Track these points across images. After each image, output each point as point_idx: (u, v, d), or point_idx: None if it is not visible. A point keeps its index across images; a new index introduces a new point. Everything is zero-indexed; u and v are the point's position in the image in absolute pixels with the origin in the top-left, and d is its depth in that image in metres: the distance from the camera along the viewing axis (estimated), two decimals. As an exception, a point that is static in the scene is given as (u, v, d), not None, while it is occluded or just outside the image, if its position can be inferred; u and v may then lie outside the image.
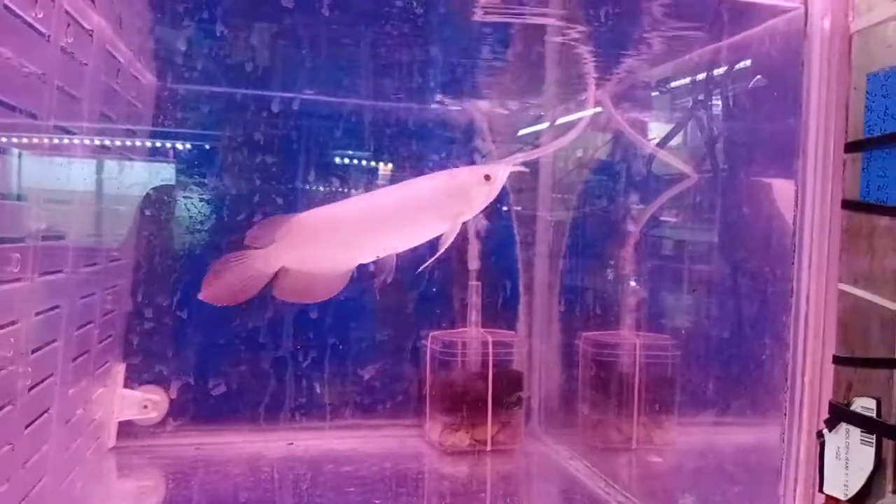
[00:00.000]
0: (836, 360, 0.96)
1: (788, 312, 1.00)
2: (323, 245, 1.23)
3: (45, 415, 1.07)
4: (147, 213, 1.70)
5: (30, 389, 0.98)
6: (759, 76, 1.34)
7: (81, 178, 1.21)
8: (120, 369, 1.61)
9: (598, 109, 1.72)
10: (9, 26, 0.82)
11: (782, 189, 1.18)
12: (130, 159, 1.57)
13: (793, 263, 0.99)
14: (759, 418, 1.32)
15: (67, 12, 0.98)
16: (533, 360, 1.87)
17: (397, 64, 1.89)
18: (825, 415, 0.97)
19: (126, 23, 1.36)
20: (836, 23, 0.99)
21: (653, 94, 1.72)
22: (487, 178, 1.21)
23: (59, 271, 1.11)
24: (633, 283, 1.76)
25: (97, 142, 1.28)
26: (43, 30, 0.91)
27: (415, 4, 1.44)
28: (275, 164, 1.83)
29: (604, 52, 1.50)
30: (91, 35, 1.11)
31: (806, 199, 0.99)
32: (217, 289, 1.16)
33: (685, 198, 1.61)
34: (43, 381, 1.05)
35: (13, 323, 0.91)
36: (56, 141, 1.08)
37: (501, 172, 1.23)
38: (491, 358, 1.69)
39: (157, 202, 1.73)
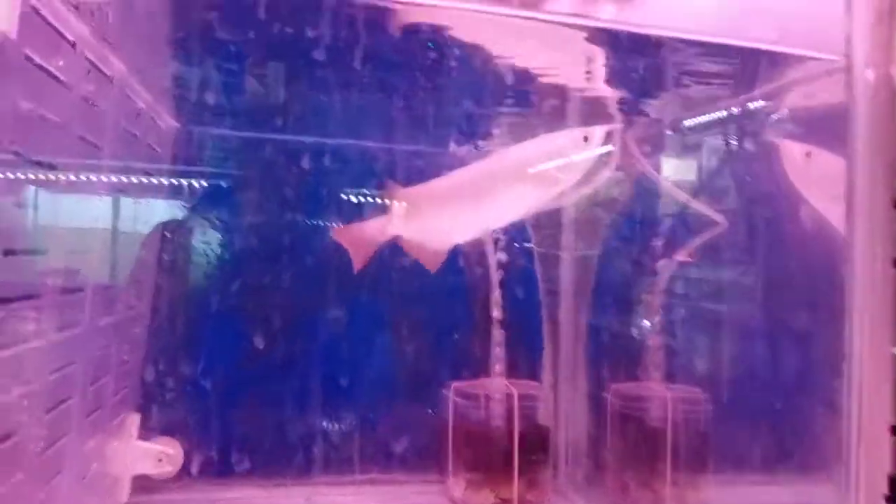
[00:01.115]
0: (895, 430, 0.90)
1: (840, 377, 0.94)
2: (425, 218, 1.22)
3: (59, 475, 1.03)
4: (165, 257, 1.68)
5: (42, 452, 0.94)
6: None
7: (99, 227, 1.18)
8: (135, 420, 1.56)
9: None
10: (30, 77, 0.80)
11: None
12: (149, 204, 1.55)
13: (843, 325, 0.94)
14: (804, 483, 1.25)
15: (88, 59, 0.96)
16: (559, 412, 1.80)
17: (419, 109, 1.88)
18: (883, 489, 0.90)
19: (147, 67, 1.34)
20: (880, 73, 0.95)
21: (683, 139, 1.68)
22: (586, 139, 1.19)
23: (76, 325, 1.07)
24: (661, 333, 1.70)
25: (116, 188, 1.26)
26: (64, 78, 0.88)
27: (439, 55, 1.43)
28: (296, 207, 1.81)
29: (630, 100, 1.47)
30: (112, 80, 1.09)
31: (855, 257, 0.93)
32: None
33: (722, 245, 1.56)
34: (56, 441, 1.00)
35: (27, 384, 0.87)
36: (75, 190, 1.06)
37: (599, 132, 1.21)
38: (517, 411, 1.62)
39: (175, 246, 1.71)
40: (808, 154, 1.29)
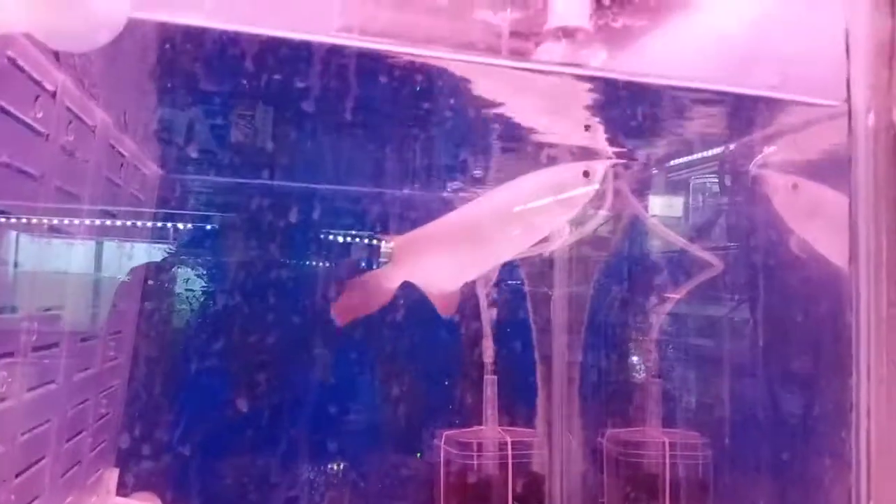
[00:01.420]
0: (906, 482, 0.87)
1: (848, 428, 0.91)
2: (429, 261, 1.23)
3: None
4: (147, 305, 1.63)
5: (10, 520, 0.88)
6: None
7: (77, 281, 1.14)
8: (112, 476, 1.50)
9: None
10: (5, 128, 0.77)
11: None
12: (130, 252, 1.51)
13: (850, 375, 0.91)
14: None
15: (69, 109, 0.93)
16: (553, 459, 1.75)
17: (406, 154, 1.86)
18: (897, 545, 0.87)
19: (131, 115, 1.32)
20: (880, 117, 0.93)
21: (674, 180, 1.67)
22: (586, 174, 1.17)
23: (51, 382, 1.02)
24: (656, 376, 1.67)
25: (95, 237, 1.22)
26: (42, 129, 0.85)
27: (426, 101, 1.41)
28: (282, 254, 1.78)
29: (623, 144, 1.46)
30: (94, 131, 1.06)
31: (860, 306, 0.91)
32: (346, 307, 1.26)
33: (719, 287, 1.54)
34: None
35: (-6, 449, 0.83)
36: (50, 240, 1.02)
37: (600, 167, 1.19)
38: (511, 460, 1.58)
39: (157, 294, 1.67)
40: (794, 186, 1.28)
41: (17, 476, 0.91)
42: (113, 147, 1.18)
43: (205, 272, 1.73)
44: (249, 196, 1.78)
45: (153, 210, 1.58)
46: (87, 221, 1.08)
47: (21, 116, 0.79)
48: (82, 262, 1.17)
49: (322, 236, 1.83)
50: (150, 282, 1.67)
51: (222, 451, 1.63)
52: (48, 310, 1.01)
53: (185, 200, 1.64)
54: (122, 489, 1.51)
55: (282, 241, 1.78)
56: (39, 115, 0.83)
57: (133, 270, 1.54)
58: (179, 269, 1.68)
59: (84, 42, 0.64)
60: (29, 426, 0.92)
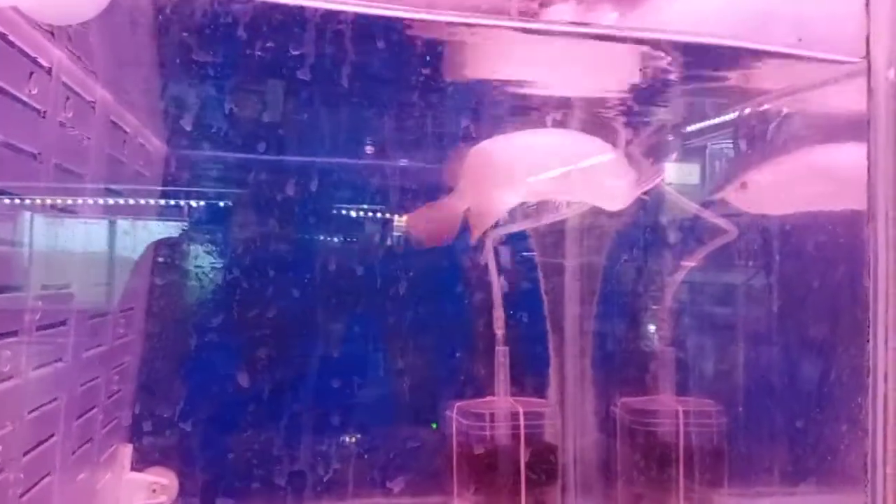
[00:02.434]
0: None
1: (865, 394, 0.89)
2: (489, 179, 1.24)
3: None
4: (157, 282, 1.63)
5: (22, 495, 0.89)
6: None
7: (84, 257, 1.14)
8: (127, 452, 1.51)
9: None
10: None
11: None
12: (137, 229, 1.50)
13: (867, 340, 0.89)
14: (825, 498, 1.20)
15: (66, 85, 0.92)
16: (566, 429, 1.75)
17: (411, 126, 1.85)
18: (914, 511, 0.85)
19: (133, 91, 1.30)
20: (900, 73, 0.90)
21: (689, 146, 1.63)
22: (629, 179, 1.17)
23: (59, 360, 1.02)
24: (670, 344, 1.66)
25: (100, 214, 1.21)
26: (38, 106, 0.84)
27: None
28: (290, 227, 1.77)
29: (635, 112, 1.43)
30: (94, 107, 1.05)
31: (878, 269, 0.88)
32: (422, 232, 1.31)
33: (734, 252, 1.51)
34: (38, 483, 0.96)
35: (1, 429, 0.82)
36: (54, 221, 1.01)
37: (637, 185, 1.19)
38: (523, 430, 1.57)
39: (167, 270, 1.67)
40: (742, 185, 1.32)
41: (25, 454, 0.91)
42: (114, 123, 1.17)
43: (213, 248, 1.72)
44: (256, 170, 1.76)
45: (159, 186, 1.57)
46: (91, 199, 1.07)
47: (15, 93, 0.77)
48: (87, 239, 1.16)
49: (334, 211, 1.82)
50: (160, 258, 1.67)
51: (235, 426, 1.63)
52: (53, 288, 1.00)
53: (190, 176, 1.63)
54: (137, 464, 1.53)
55: (291, 215, 1.77)
56: (35, 92, 0.81)
57: (141, 247, 1.53)
58: (188, 245, 1.67)
59: (69, 14, 0.62)
60: (36, 404, 0.92)
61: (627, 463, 1.63)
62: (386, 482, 1.68)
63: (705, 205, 1.55)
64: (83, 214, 1.06)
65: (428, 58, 1.32)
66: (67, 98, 0.93)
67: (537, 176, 1.29)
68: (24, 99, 0.80)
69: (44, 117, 0.86)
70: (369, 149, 1.78)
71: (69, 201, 0.98)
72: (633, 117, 1.45)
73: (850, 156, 1.17)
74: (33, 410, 0.91)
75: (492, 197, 1.26)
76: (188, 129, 1.65)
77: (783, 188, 1.28)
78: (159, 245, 1.63)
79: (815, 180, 1.25)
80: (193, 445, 1.59)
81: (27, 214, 0.88)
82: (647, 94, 1.33)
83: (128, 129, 1.26)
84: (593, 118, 1.44)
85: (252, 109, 1.83)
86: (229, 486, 1.61)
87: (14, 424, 0.84)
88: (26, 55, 0.79)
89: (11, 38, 0.75)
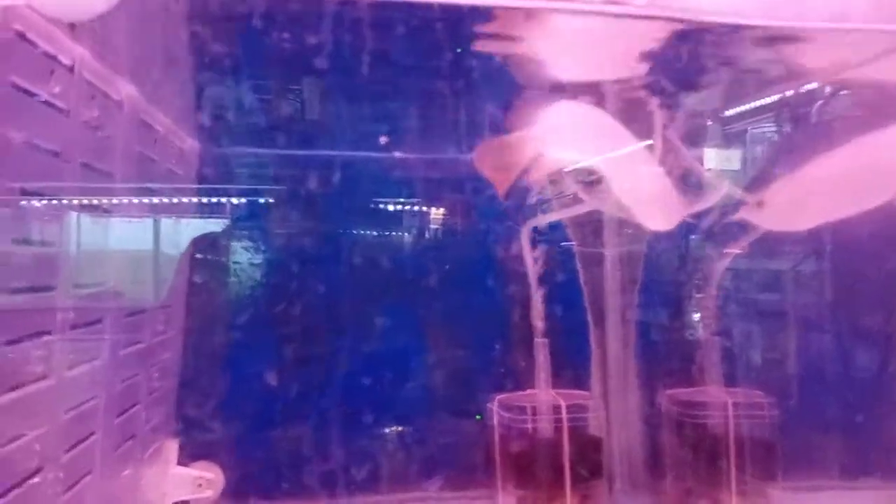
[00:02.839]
0: None
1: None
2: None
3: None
4: (196, 279, 1.65)
5: (64, 493, 0.89)
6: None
7: (117, 256, 1.14)
8: (172, 447, 1.53)
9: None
10: (20, 106, 0.75)
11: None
12: (171, 226, 1.51)
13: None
14: (887, 491, 1.14)
15: (90, 83, 0.92)
16: (611, 422, 1.70)
17: (440, 116, 1.83)
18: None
19: (164, 88, 1.31)
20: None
21: (729, 130, 1.57)
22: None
23: (95, 359, 1.03)
24: (717, 333, 1.60)
25: (133, 213, 1.22)
26: (61, 105, 0.84)
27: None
28: (328, 221, 1.77)
29: (670, 92, 1.37)
30: (121, 105, 1.05)
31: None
32: (487, 167, 1.28)
33: (786, 237, 1.45)
34: (78, 481, 0.96)
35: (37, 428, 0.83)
36: (84, 220, 1.02)
37: None
38: (566, 423, 1.54)
39: (206, 267, 1.69)
40: (759, 203, 1.31)
41: (66, 452, 0.92)
42: (144, 121, 1.17)
43: (250, 244, 1.73)
44: (290, 166, 1.77)
45: (193, 185, 1.58)
46: (122, 198, 1.07)
47: (35, 91, 0.77)
48: (121, 238, 1.16)
49: (369, 204, 1.81)
50: (198, 255, 1.68)
51: (278, 420, 1.64)
52: (86, 287, 1.01)
53: (225, 174, 1.64)
54: (183, 459, 1.54)
55: (326, 210, 1.77)
56: (57, 90, 0.81)
57: (178, 244, 1.55)
58: (225, 242, 1.68)
59: (79, 9, 0.61)
60: (72, 403, 0.93)
61: (676, 457, 1.58)
62: (427, 477, 1.67)
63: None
64: (114, 213, 1.06)
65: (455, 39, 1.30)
66: (92, 96, 0.93)
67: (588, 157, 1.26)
68: (47, 98, 0.80)
69: (68, 116, 0.86)
70: (393, 141, 1.76)
71: (97, 200, 0.98)
72: (667, 99, 1.39)
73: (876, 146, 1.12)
74: (71, 409, 0.92)
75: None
76: (222, 125, 1.66)
77: (801, 203, 1.22)
78: (197, 242, 1.64)
79: (835, 188, 1.20)
80: (238, 440, 1.61)
81: (54, 214, 0.88)
82: (683, 75, 1.27)
83: (159, 128, 1.26)
84: (627, 102, 1.39)
85: (286, 104, 1.83)
86: (272, 480, 1.61)
87: (51, 425, 0.85)
88: (46, 54, 0.79)
89: (30, 36, 0.75)
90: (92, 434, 1.01)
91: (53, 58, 0.81)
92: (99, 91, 0.95)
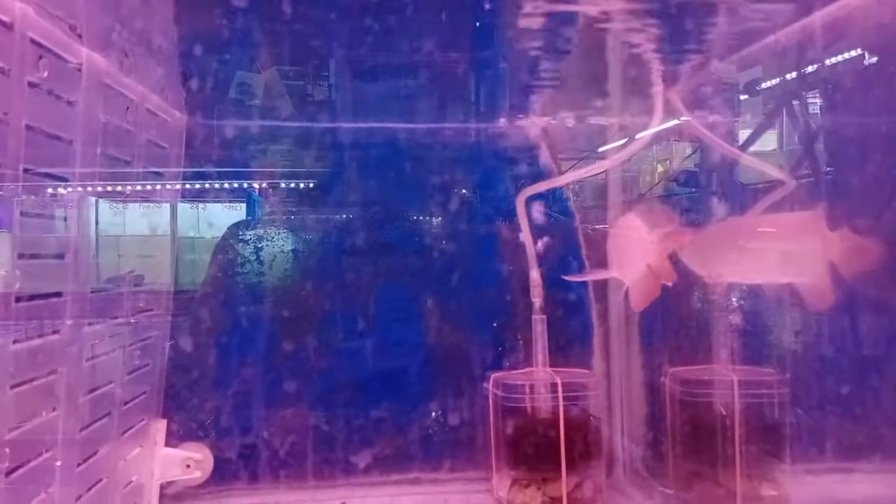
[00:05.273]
0: None
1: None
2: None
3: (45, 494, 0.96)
4: (187, 256, 1.62)
5: (8, 474, 0.86)
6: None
7: (86, 225, 1.10)
8: (160, 427, 1.50)
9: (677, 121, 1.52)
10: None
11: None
12: (158, 203, 1.48)
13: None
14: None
15: (37, 42, 0.87)
16: (612, 401, 1.64)
17: (450, 85, 1.78)
18: None
19: (139, 57, 1.26)
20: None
21: (733, 90, 1.48)
22: None
23: (55, 332, 1.00)
24: (723, 309, 1.52)
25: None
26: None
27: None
28: (326, 199, 1.73)
29: (667, 46, 1.29)
30: (80, 70, 1.00)
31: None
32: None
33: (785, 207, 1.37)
34: (24, 463, 0.92)
35: None
36: (50, 189, 0.98)
37: None
38: (561, 402, 1.47)
39: (193, 244, 1.66)
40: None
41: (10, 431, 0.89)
42: (111, 88, 1.13)
43: (246, 222, 1.70)
44: (290, 141, 1.73)
45: (181, 159, 1.54)
46: (83, 168, 1.03)
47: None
48: (92, 212, 1.13)
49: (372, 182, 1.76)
50: (190, 233, 1.66)
51: (269, 399, 1.61)
52: (47, 258, 0.97)
53: (213, 147, 1.59)
54: (171, 439, 1.52)
55: (327, 188, 1.73)
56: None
57: (165, 220, 1.51)
58: (211, 216, 1.65)
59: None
60: (19, 379, 0.89)
61: (679, 437, 1.51)
62: (425, 458, 1.62)
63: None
64: (73, 180, 1.02)
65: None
66: (40, 57, 0.88)
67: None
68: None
69: (6, 75, 0.81)
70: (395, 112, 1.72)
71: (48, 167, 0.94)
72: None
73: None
74: (17, 386, 0.88)
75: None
76: (210, 98, 1.63)
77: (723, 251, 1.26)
78: (188, 219, 1.61)
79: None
80: (227, 418, 1.58)
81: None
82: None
83: (132, 96, 1.22)
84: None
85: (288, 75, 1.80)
86: (264, 461, 1.58)
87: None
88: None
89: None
90: (53, 410, 0.98)
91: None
92: (48, 51, 0.90)
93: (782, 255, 1.19)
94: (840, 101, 1.24)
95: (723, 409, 1.41)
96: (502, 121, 1.75)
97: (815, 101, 1.39)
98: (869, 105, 1.20)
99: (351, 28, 1.62)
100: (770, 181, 1.46)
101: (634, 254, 1.27)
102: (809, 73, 1.18)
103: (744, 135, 1.64)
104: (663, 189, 1.90)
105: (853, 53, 1.13)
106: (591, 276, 1.59)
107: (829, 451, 1.33)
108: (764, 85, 1.56)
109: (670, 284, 1.22)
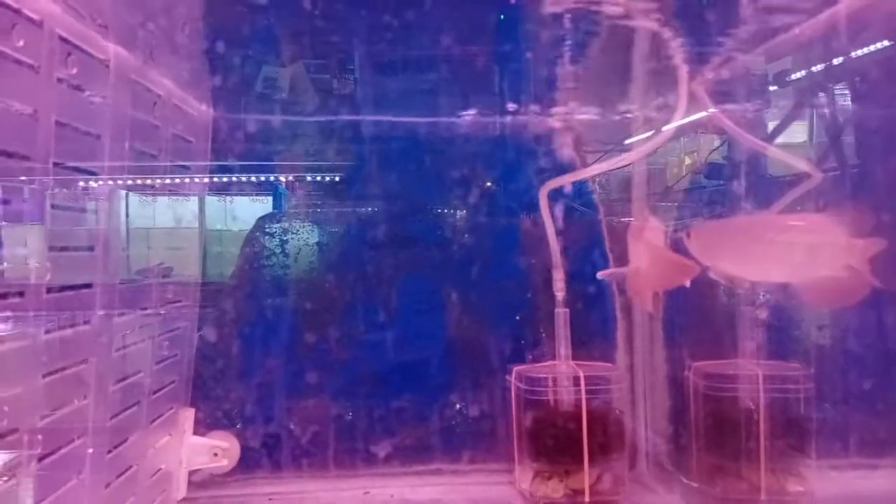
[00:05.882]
0: None
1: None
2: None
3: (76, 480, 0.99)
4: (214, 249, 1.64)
5: (40, 460, 0.89)
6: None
7: (116, 218, 1.12)
8: (188, 415, 1.53)
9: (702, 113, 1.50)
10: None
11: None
12: (185, 196, 1.50)
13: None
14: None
15: (65, 40, 0.89)
16: (636, 395, 1.63)
17: (473, 78, 1.78)
18: None
19: (165, 52, 1.28)
20: None
21: (760, 82, 1.46)
22: None
23: (86, 323, 1.02)
24: (748, 303, 1.51)
25: (134, 180, 1.20)
26: (28, 60, 0.82)
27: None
28: (346, 193, 1.75)
29: (691, 37, 1.28)
30: (108, 66, 1.02)
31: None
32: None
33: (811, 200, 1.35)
34: (56, 450, 0.95)
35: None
36: (81, 183, 1.01)
37: None
38: (584, 395, 1.47)
39: (220, 236, 1.68)
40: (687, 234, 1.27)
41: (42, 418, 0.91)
42: (138, 83, 1.15)
43: (273, 215, 1.71)
44: (312, 136, 1.74)
45: (207, 153, 1.57)
46: (113, 162, 1.05)
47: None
48: (122, 205, 1.15)
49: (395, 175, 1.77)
50: (217, 226, 1.68)
51: (295, 390, 1.63)
52: (73, 251, 1.00)
53: (238, 141, 1.61)
54: (198, 428, 1.55)
55: (351, 181, 1.74)
56: (20, 45, 0.79)
57: (190, 213, 1.54)
58: (237, 209, 1.67)
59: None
60: (53, 367, 0.92)
61: (703, 431, 1.50)
62: (445, 449, 1.63)
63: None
64: (103, 175, 1.04)
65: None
66: (69, 54, 0.90)
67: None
68: (10, 52, 0.78)
69: (37, 72, 0.83)
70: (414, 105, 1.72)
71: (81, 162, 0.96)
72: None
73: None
74: (49, 375, 0.91)
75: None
76: (238, 93, 1.65)
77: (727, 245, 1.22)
78: (216, 212, 1.64)
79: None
80: (254, 408, 1.60)
81: (27, 178, 0.86)
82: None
83: (159, 91, 1.24)
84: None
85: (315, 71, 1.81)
86: (287, 450, 1.60)
87: (27, 389, 0.84)
88: (6, 6, 0.76)
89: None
90: (84, 398, 1.01)
91: (16, 11, 0.79)
92: (76, 48, 0.92)
93: (784, 256, 1.17)
94: (866, 92, 1.22)
95: (751, 403, 1.39)
96: (526, 114, 1.75)
97: (842, 93, 1.37)
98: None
99: (373, 23, 1.63)
100: (797, 174, 1.44)
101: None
102: (835, 64, 1.16)
103: (773, 126, 1.62)
104: (690, 181, 1.89)
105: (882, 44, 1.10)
106: (615, 273, 1.58)
107: (852, 447, 1.32)
108: (794, 76, 1.54)
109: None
